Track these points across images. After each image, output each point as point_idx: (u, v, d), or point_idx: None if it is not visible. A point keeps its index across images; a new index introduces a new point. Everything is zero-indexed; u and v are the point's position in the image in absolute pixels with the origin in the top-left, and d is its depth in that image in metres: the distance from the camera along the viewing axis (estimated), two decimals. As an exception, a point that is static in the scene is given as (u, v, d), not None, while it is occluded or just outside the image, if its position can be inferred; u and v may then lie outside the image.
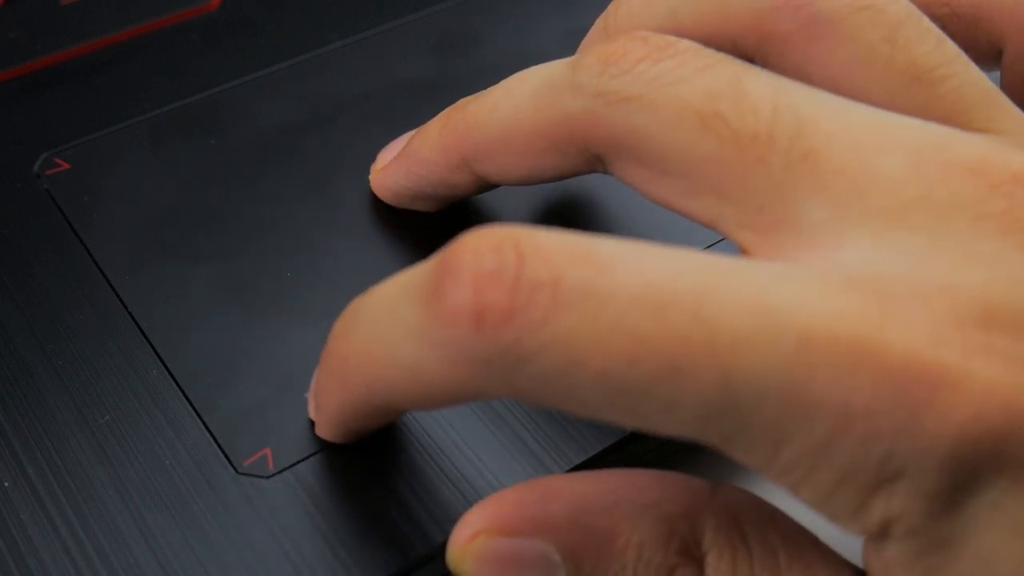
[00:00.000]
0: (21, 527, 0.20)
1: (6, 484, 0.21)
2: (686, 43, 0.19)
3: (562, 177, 0.22)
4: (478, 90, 0.29)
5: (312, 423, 0.22)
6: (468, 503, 0.21)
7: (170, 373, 0.23)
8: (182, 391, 0.23)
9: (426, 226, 0.26)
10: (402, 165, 0.25)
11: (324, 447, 0.22)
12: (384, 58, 0.30)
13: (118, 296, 0.24)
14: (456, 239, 0.16)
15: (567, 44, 0.30)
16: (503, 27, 0.31)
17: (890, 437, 0.16)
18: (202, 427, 0.22)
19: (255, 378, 0.23)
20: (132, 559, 0.20)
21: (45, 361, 0.23)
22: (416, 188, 0.25)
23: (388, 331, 0.18)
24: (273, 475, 0.21)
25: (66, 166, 0.27)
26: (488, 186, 0.24)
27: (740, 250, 0.19)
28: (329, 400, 0.21)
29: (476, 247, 0.16)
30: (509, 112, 0.22)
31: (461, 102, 0.23)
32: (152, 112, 0.29)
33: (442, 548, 0.20)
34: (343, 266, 0.25)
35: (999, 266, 0.17)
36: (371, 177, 0.26)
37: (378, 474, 0.21)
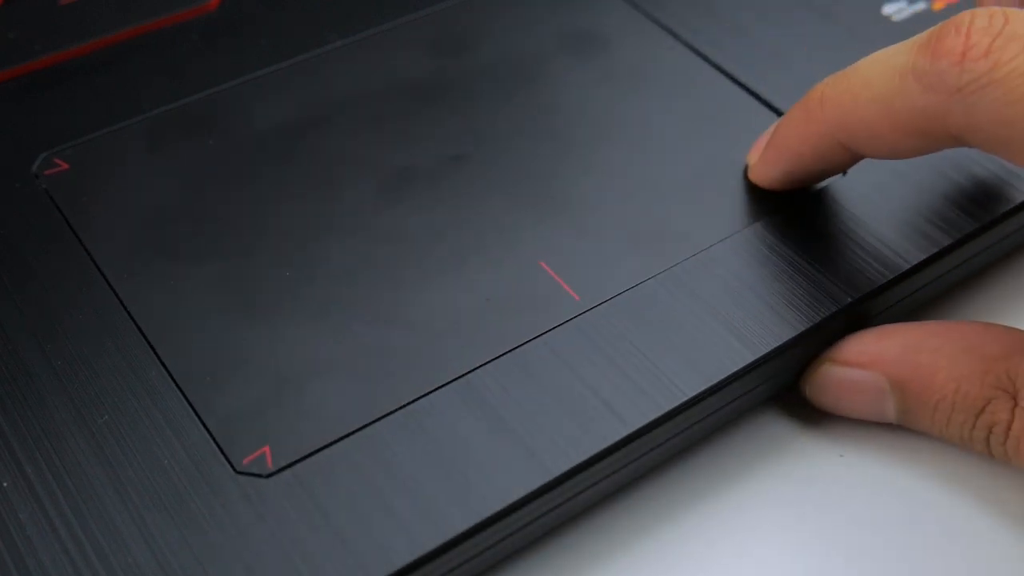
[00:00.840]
0: (20, 527, 0.20)
1: (5, 484, 0.21)
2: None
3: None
4: (476, 90, 0.29)
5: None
6: (467, 502, 0.21)
7: (169, 373, 0.23)
8: (181, 391, 0.22)
9: (426, 225, 0.26)
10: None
11: (323, 446, 0.22)
12: (383, 58, 0.30)
13: (117, 296, 0.24)
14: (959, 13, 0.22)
15: (565, 44, 0.30)
16: (502, 27, 0.31)
17: None
18: (201, 426, 0.22)
19: (254, 378, 0.23)
20: (131, 559, 0.20)
21: (44, 361, 0.23)
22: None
23: (876, 73, 0.22)
24: (272, 474, 0.21)
25: (65, 166, 0.27)
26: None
27: None
28: (790, 135, 0.25)
29: (975, 11, 0.21)
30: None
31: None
32: (151, 112, 0.29)
33: (442, 547, 0.20)
34: (343, 266, 0.25)
35: None
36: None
37: (377, 472, 0.21)
